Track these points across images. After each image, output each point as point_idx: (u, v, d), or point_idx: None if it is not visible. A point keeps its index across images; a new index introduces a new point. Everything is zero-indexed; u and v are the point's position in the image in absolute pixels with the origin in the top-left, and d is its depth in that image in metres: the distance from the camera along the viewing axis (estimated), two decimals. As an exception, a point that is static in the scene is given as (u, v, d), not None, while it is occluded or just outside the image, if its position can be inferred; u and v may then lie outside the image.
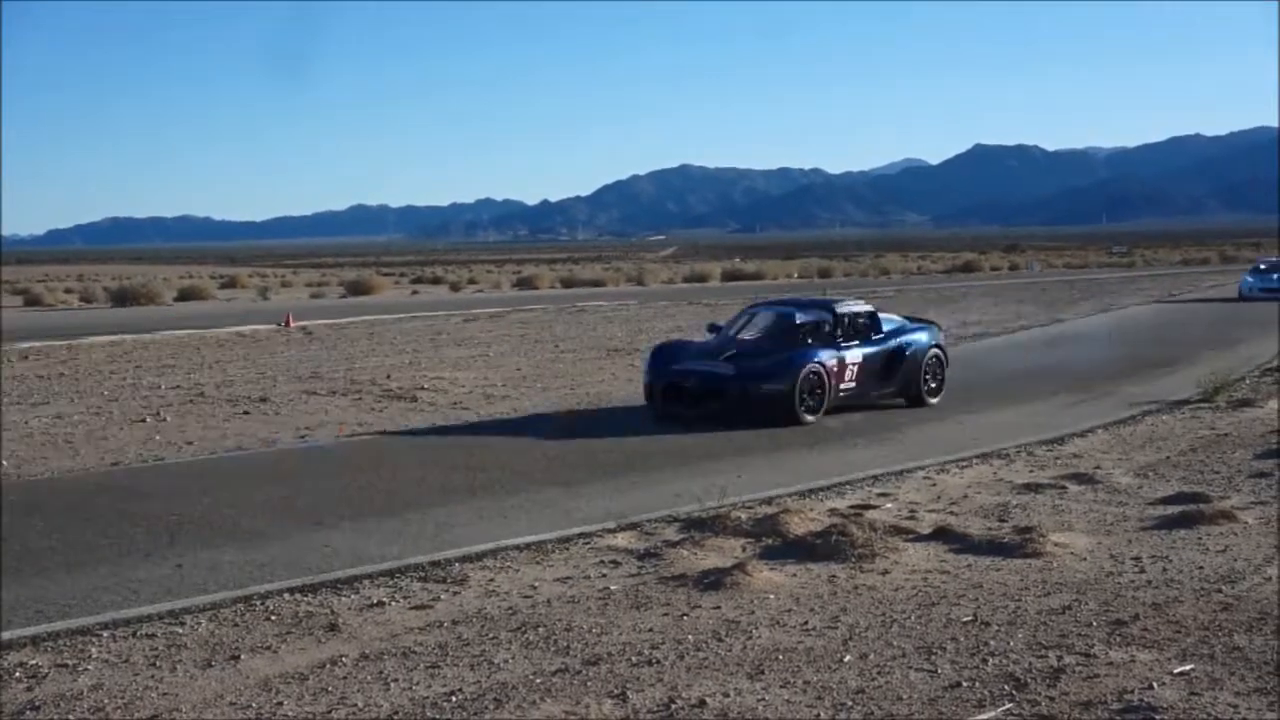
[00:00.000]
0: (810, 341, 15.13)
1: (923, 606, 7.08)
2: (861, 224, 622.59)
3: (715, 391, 14.38)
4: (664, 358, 15.15)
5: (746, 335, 15.58)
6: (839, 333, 15.35)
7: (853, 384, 15.09)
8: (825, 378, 14.54)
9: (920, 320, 17.68)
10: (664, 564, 8.15)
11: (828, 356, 14.73)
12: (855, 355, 15.16)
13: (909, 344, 16.01)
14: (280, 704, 5.64)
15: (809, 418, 14.31)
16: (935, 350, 16.41)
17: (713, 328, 16.64)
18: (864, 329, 15.72)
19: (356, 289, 55.56)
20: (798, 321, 15.56)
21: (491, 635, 6.66)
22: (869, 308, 16.30)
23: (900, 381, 15.82)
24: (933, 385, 16.27)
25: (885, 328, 15.99)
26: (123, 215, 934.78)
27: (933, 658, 6.14)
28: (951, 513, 9.73)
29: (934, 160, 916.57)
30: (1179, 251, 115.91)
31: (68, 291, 55.76)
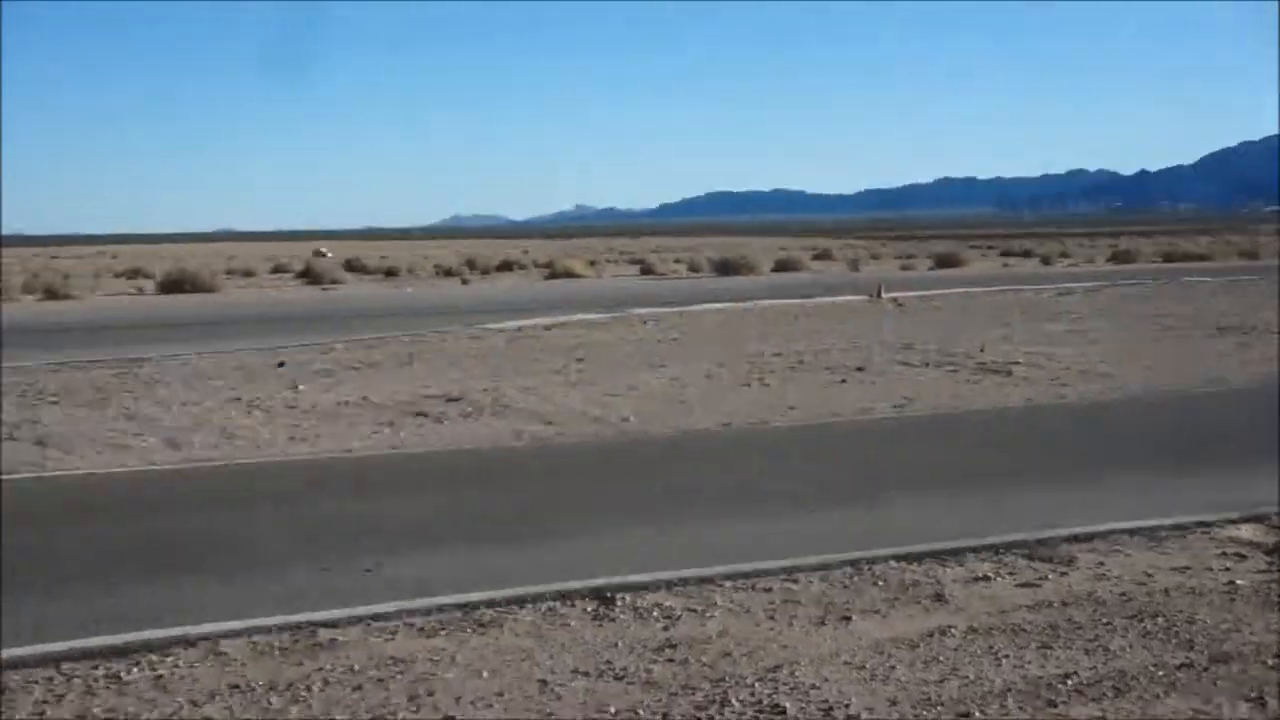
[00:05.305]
0: None
1: None
2: None
3: None
4: None
5: None
6: None
7: None
8: None
9: None
10: (1298, 562, 7.50)
11: None
12: None
13: None
14: (893, 668, 5.78)
15: None
16: None
17: None
18: None
19: (945, 262, 55.42)
20: None
21: (1105, 620, 6.44)
22: None
23: None
24: None
25: None
26: (719, 190, 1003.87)
27: None
28: None
29: None
30: None
31: (676, 261, 60.00)
